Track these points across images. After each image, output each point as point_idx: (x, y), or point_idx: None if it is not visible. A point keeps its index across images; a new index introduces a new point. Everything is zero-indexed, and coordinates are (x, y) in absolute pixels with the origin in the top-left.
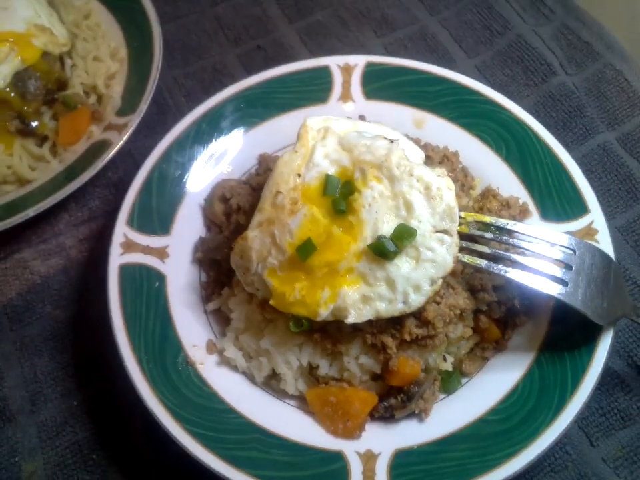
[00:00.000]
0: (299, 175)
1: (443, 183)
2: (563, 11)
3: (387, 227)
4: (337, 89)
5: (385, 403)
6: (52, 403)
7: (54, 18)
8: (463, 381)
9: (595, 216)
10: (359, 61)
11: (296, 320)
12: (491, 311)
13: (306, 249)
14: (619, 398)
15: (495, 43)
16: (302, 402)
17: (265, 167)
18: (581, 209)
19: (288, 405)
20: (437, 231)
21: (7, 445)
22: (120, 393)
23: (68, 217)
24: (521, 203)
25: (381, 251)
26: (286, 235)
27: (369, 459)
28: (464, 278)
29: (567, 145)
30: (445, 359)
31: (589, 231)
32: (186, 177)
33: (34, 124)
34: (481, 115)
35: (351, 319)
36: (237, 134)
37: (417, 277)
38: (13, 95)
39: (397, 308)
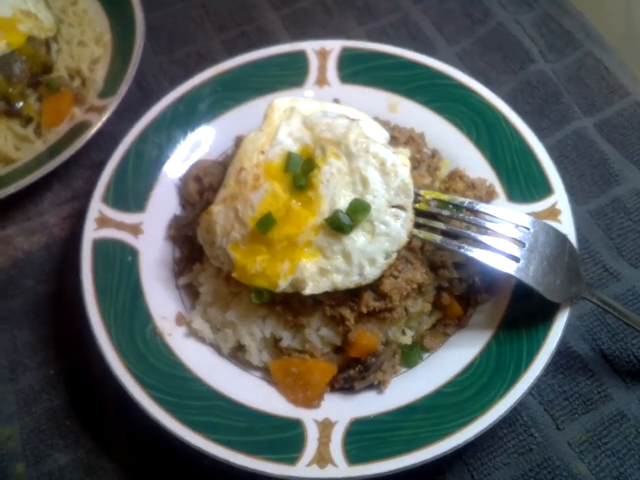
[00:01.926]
0: (262, 152)
1: (398, 160)
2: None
3: (344, 202)
4: (312, 73)
5: (344, 374)
6: (30, 372)
7: (40, 4)
8: (425, 356)
9: (559, 197)
10: (334, 46)
11: (257, 292)
12: (452, 288)
13: (266, 222)
14: (581, 382)
15: (476, 31)
16: (266, 373)
17: None
18: (545, 190)
19: (253, 375)
20: (392, 206)
21: None
22: (94, 364)
23: (52, 196)
24: (487, 185)
25: (337, 225)
26: (248, 210)
27: (325, 426)
28: (424, 255)
29: (542, 131)
30: (404, 333)
31: (552, 211)
32: (163, 157)
33: (19, 105)
34: (453, 98)
35: (309, 290)
36: (214, 116)
37: (372, 250)
38: None
39: (353, 280)
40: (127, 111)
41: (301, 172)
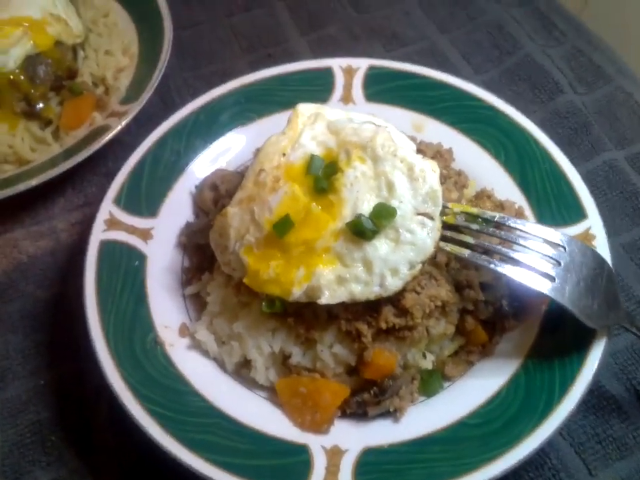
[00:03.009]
0: (284, 155)
1: (427, 165)
2: (575, 34)
3: (367, 207)
4: (338, 90)
5: (357, 398)
6: (19, 381)
7: (70, 10)
8: (445, 385)
9: (593, 221)
10: (361, 64)
11: (269, 300)
12: (478, 311)
13: (283, 225)
14: (615, 425)
15: (504, 62)
16: (272, 393)
17: None
18: (578, 214)
19: (257, 395)
20: (419, 214)
21: None
22: (88, 375)
23: (64, 201)
24: (517, 207)
25: (359, 230)
26: (265, 212)
27: (334, 454)
28: (449, 273)
29: (571, 160)
30: (424, 357)
31: (587, 237)
32: (180, 164)
33: (39, 106)
34: (481, 120)
35: (324, 299)
36: (235, 128)
37: (395, 260)
38: (22, 77)
39: (373, 291)
40: (148, 122)
41: (323, 175)
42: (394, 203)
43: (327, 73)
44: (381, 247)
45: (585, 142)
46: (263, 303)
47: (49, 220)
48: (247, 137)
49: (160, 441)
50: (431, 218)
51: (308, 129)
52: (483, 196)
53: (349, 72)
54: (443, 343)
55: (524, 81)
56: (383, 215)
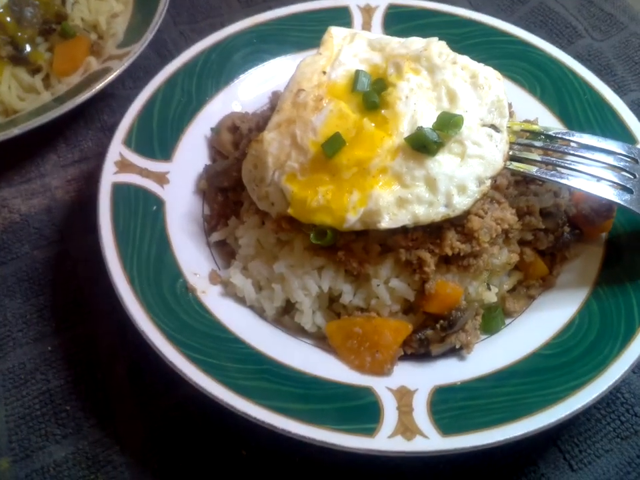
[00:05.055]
0: (324, 73)
1: (490, 73)
2: None
3: (427, 119)
4: (356, 30)
5: (419, 335)
6: (22, 349)
7: None
8: (507, 321)
9: None
10: (380, 3)
11: (318, 231)
12: (537, 241)
13: (334, 143)
14: None
15: (516, 10)
16: (320, 342)
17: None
18: (628, 140)
19: (303, 342)
20: (485, 125)
21: None
22: (102, 336)
23: (56, 157)
24: None
25: (422, 143)
26: (309, 133)
27: (403, 394)
28: (508, 199)
29: None
30: (489, 288)
31: None
32: (191, 105)
33: (27, 50)
34: (512, 55)
35: (384, 224)
36: (248, 68)
37: (462, 175)
38: (8, 18)
39: (439, 211)
40: (144, 76)
41: (372, 90)
42: (458, 113)
43: (344, 12)
44: (445, 162)
45: (610, 82)
46: (312, 235)
47: (40, 177)
48: (261, 79)
49: (210, 390)
50: (498, 130)
51: (347, 47)
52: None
53: (367, 11)
54: (502, 276)
55: (540, 27)
56: (449, 125)
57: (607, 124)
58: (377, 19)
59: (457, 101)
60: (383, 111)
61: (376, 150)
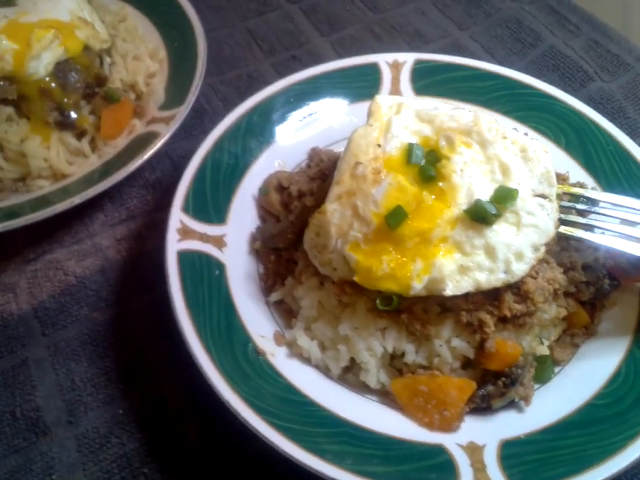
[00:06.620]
0: (379, 146)
1: (539, 146)
2: (589, 27)
3: (483, 191)
4: (386, 85)
5: (481, 391)
6: (93, 413)
7: (95, 16)
8: (555, 370)
9: None
10: (407, 58)
11: (384, 297)
12: (580, 293)
13: (397, 216)
14: None
15: (528, 54)
16: (384, 397)
17: (317, 160)
18: None
19: (369, 399)
20: (536, 195)
21: (42, 461)
22: (170, 397)
23: (104, 216)
24: (591, 189)
25: (481, 215)
26: (370, 205)
27: (474, 451)
28: (552, 256)
29: None
30: (541, 342)
31: None
32: (239, 167)
33: (73, 116)
34: (535, 107)
35: (449, 291)
36: (287, 127)
37: (518, 244)
38: (53, 85)
39: (499, 278)
40: (179, 130)
41: (426, 163)
42: (512, 186)
43: (374, 69)
44: (502, 231)
45: (624, 126)
46: (378, 301)
47: (90, 237)
48: (299, 136)
49: (296, 457)
50: (548, 199)
51: (396, 118)
52: (559, 179)
53: (396, 66)
54: (550, 328)
55: (552, 72)
56: (506, 198)
57: (631, 175)
58: (405, 74)
59: (510, 174)
60: (440, 184)
61: (436, 221)
